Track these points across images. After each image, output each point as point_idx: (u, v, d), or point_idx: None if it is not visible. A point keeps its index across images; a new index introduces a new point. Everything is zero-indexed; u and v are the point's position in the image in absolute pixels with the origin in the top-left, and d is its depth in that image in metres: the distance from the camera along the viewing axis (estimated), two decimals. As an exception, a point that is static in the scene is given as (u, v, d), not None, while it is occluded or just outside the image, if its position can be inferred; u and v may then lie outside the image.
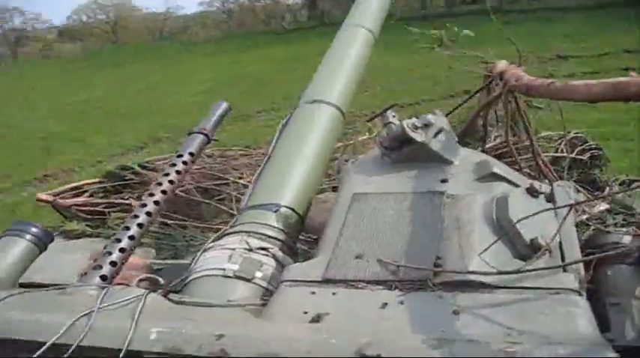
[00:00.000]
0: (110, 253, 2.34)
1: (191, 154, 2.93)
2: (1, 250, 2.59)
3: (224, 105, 3.36)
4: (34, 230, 2.61)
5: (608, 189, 4.68)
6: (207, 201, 4.87)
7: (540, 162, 3.68)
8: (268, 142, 3.45)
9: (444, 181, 2.35)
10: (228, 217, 4.72)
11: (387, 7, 4.23)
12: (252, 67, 24.24)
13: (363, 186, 2.42)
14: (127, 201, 4.98)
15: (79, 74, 32.06)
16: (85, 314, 1.87)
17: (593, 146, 5.35)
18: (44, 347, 1.76)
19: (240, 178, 5.13)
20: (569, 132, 5.42)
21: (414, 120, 2.48)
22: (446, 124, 2.55)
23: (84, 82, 28.46)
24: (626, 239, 2.56)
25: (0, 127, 18.02)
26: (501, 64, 4.15)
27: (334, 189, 3.91)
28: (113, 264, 2.31)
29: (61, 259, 2.62)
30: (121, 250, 2.37)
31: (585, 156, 5.16)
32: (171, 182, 2.74)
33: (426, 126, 2.45)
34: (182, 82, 23.01)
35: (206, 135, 3.08)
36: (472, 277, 1.85)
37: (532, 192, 2.30)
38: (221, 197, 4.98)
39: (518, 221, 2.03)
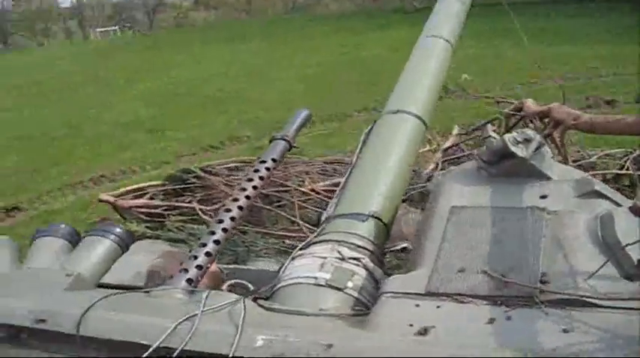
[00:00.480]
0: (196, 257, 2.33)
1: (274, 161, 2.92)
2: (86, 250, 2.62)
3: (306, 112, 3.36)
4: (117, 230, 2.64)
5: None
6: (269, 207, 4.89)
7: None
8: (342, 152, 3.44)
9: (543, 197, 2.30)
10: (288, 224, 4.74)
11: (463, 17, 4.22)
12: (368, 52, 22.62)
13: (461, 199, 2.38)
14: (187, 205, 5.01)
15: (197, 49, 32.16)
16: (187, 318, 1.87)
17: (657, 164, 5.26)
18: (150, 349, 1.76)
19: (300, 186, 5.13)
20: (634, 150, 5.36)
21: (514, 134, 2.44)
22: (542, 140, 2.50)
23: (196, 58, 28.33)
24: None
25: (91, 109, 17.92)
26: (532, 103, 4.14)
27: (406, 200, 3.90)
28: (199, 267, 2.30)
29: (138, 260, 2.62)
30: (207, 254, 2.36)
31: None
32: (254, 188, 2.73)
33: (527, 140, 2.41)
34: (287, 66, 22.00)
35: (288, 141, 3.07)
36: (581, 296, 1.81)
37: (635, 212, 2.25)
38: (281, 203, 5.00)
39: (631, 244, 1.97)
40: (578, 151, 5.50)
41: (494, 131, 2.55)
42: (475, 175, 2.50)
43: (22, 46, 60.03)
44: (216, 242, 2.43)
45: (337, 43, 25.50)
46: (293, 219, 4.75)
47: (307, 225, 4.44)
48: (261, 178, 2.78)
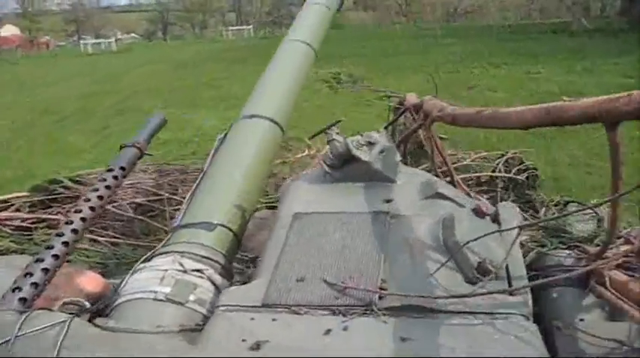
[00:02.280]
0: (31, 274, 2.16)
1: (122, 169, 2.79)
2: None
3: (159, 118, 3.24)
4: None
5: (544, 209, 4.71)
6: (140, 217, 4.73)
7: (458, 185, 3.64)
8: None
9: (388, 201, 2.28)
10: (162, 234, 4.59)
11: (327, 22, 4.20)
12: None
13: (305, 206, 2.33)
14: (55, 216, 4.78)
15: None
16: (2, 343, 1.73)
17: (529, 166, 5.41)
18: None
19: (174, 194, 4.99)
20: (506, 153, 5.48)
21: (358, 137, 2.41)
22: (389, 142, 2.48)
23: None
24: (569, 261, 2.53)
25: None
26: (412, 97, 4.18)
27: (272, 207, 3.83)
28: (34, 285, 2.14)
29: None
30: (44, 270, 2.19)
31: (522, 176, 5.21)
32: (100, 198, 2.58)
33: (371, 144, 2.38)
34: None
35: (139, 148, 2.95)
36: (419, 301, 1.78)
37: (478, 213, 2.26)
38: (154, 213, 4.85)
39: (465, 244, 1.97)
40: (454, 154, 5.58)
41: (337, 134, 2.51)
42: (321, 180, 2.45)
43: (179, 38, 60.15)
44: (55, 256, 2.28)
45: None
46: (166, 229, 4.60)
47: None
48: (107, 187, 2.64)
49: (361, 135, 2.44)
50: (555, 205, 4.85)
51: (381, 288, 1.87)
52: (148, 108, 13.76)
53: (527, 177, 5.27)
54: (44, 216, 4.80)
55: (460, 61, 18.63)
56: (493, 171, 5.26)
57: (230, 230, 2.53)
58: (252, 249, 3.22)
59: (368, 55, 22.55)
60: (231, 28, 55.35)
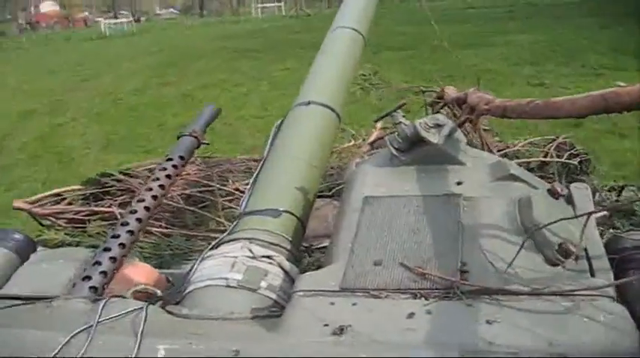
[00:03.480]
0: (100, 263, 2.19)
1: (181, 158, 2.80)
2: None
3: (213, 107, 3.26)
4: (16, 236, 2.45)
5: (598, 194, 4.63)
6: (192, 208, 4.75)
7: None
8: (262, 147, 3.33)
9: (459, 183, 2.24)
10: (214, 225, 4.61)
11: (373, 8, 4.17)
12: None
13: (375, 189, 2.29)
14: (107, 209, 4.83)
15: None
16: (82, 330, 1.74)
17: (580, 151, 5.32)
18: None
19: (224, 185, 5.01)
20: (557, 137, 5.40)
21: (425, 120, 2.37)
22: (454, 125, 2.45)
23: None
24: None
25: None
26: (452, 90, 4.12)
27: (321, 196, 3.81)
28: (103, 274, 2.16)
29: (42, 269, 2.44)
30: (112, 259, 2.22)
31: (575, 161, 5.13)
32: (161, 187, 2.60)
33: (438, 126, 2.35)
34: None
35: (196, 137, 2.96)
36: (502, 283, 1.75)
37: (553, 194, 2.21)
38: (205, 204, 4.87)
39: (547, 225, 1.93)
40: (501, 141, 5.52)
41: (403, 116, 2.48)
42: (388, 163, 2.42)
43: (217, 13, 60.98)
44: (122, 245, 2.30)
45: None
46: (218, 219, 4.62)
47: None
48: (168, 176, 2.66)
49: (428, 118, 2.41)
50: (609, 190, 4.78)
51: (462, 272, 1.84)
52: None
53: (579, 162, 5.17)
54: (97, 209, 4.85)
55: (539, 63, 14.35)
56: (545, 156, 5.18)
57: (295, 216, 2.52)
58: (308, 237, 3.21)
59: (405, 48, 18.99)
60: (260, 5, 53.71)
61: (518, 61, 15.13)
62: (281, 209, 2.48)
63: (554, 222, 1.90)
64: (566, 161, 5.08)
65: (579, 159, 5.19)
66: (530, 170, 5.07)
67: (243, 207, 2.60)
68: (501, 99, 3.11)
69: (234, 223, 2.52)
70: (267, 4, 53.94)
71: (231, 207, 4.63)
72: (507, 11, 27.16)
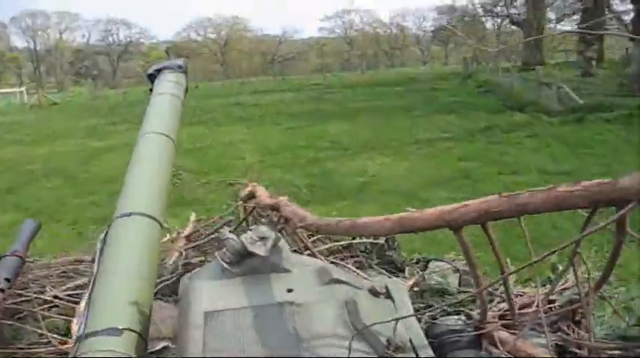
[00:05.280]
0: None
1: (7, 280, 2.77)
2: None
3: (33, 224, 3.23)
4: None
5: (407, 268, 4.95)
6: (9, 322, 4.54)
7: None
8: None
9: (289, 291, 2.43)
10: (35, 337, 4.43)
11: (179, 111, 4.29)
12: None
13: (213, 304, 2.41)
14: None
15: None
16: None
17: (385, 229, 5.66)
18: None
19: (42, 293, 4.83)
20: (360, 219, 5.73)
21: (250, 234, 2.55)
22: (277, 236, 2.64)
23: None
24: (458, 326, 2.77)
25: None
26: (263, 192, 4.36)
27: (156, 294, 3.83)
28: None
29: None
30: None
31: (382, 240, 5.46)
32: None
33: (264, 238, 2.53)
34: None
35: (20, 256, 2.93)
36: None
37: (374, 293, 2.46)
38: (22, 315, 4.66)
39: (373, 324, 2.16)
40: (311, 224, 5.73)
41: (230, 232, 2.65)
42: (220, 276, 2.56)
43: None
44: None
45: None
46: (39, 331, 4.45)
47: (55, 335, 4.18)
48: None
49: (252, 230, 2.59)
50: (416, 263, 5.12)
51: None
52: None
53: (385, 240, 5.51)
54: None
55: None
56: (353, 239, 5.47)
57: (136, 332, 2.54)
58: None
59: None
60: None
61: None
62: (120, 327, 2.50)
63: (385, 321, 2.14)
64: (373, 241, 5.40)
65: (385, 237, 5.53)
66: (342, 251, 5.37)
67: (82, 329, 2.61)
68: (312, 216, 3.37)
69: (75, 347, 2.52)
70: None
71: (51, 317, 4.48)
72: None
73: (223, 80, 47.42)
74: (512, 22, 48.56)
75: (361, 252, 5.30)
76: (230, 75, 51.10)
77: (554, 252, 1.95)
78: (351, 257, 5.16)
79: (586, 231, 1.99)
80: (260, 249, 2.50)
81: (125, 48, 54.90)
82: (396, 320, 2.15)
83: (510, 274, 2.32)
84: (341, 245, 5.38)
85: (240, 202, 4.93)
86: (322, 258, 4.09)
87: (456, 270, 4.21)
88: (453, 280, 4.12)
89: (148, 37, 57.61)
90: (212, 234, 5.45)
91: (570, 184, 2.01)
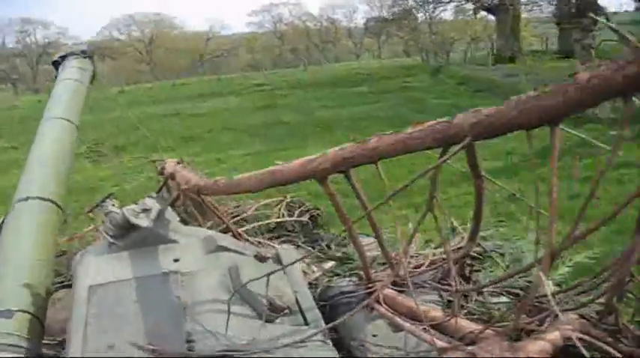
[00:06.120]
0: None
1: None
2: None
3: None
4: None
5: (333, 244, 5.04)
6: None
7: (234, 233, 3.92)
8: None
9: (176, 261, 2.48)
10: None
11: (82, 96, 4.33)
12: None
13: (98, 277, 2.44)
14: None
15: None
16: None
17: (310, 208, 5.74)
18: None
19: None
20: (285, 198, 5.79)
21: (133, 206, 2.59)
22: (162, 206, 2.68)
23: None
24: (349, 287, 2.86)
25: None
26: (171, 164, 4.40)
27: (68, 285, 3.84)
28: None
29: None
30: None
31: (306, 218, 5.53)
32: None
33: (146, 210, 2.57)
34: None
35: None
36: (227, 348, 2.00)
37: (260, 258, 2.53)
38: None
39: (246, 283, 2.23)
40: (238, 206, 5.79)
41: (113, 205, 2.68)
42: (107, 251, 2.59)
43: None
44: None
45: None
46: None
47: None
48: None
49: (136, 204, 2.63)
50: (344, 239, 5.21)
51: (188, 342, 2.06)
52: None
53: (310, 218, 5.58)
54: None
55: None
56: (278, 217, 5.53)
57: (30, 313, 2.55)
58: (61, 331, 3.25)
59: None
60: None
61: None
62: (14, 309, 2.51)
63: (253, 280, 2.21)
64: (298, 219, 5.47)
65: (310, 215, 5.61)
66: (270, 231, 5.43)
67: None
68: (196, 178, 3.42)
69: None
70: None
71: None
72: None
73: (152, 81, 44.44)
74: (484, 9, 42.99)
75: (288, 231, 5.40)
76: (158, 75, 49.68)
77: (410, 182, 2.07)
78: (278, 237, 5.26)
79: (434, 165, 2.09)
80: (142, 220, 2.55)
81: (44, 49, 53.26)
82: (268, 275, 2.21)
83: (370, 211, 2.38)
84: (268, 224, 5.47)
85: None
86: (246, 237, 4.12)
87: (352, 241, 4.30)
88: (374, 254, 4.21)
89: (68, 37, 55.50)
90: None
91: (413, 126, 2.11)
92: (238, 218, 5.14)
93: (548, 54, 39.81)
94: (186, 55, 53.73)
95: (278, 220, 5.48)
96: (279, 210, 5.55)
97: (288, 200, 5.71)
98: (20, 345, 2.37)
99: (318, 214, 5.74)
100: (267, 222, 5.53)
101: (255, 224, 5.35)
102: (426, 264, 2.94)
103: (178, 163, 4.22)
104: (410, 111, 23.06)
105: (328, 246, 5.04)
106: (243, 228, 4.63)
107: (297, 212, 5.57)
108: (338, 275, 3.69)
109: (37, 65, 53.70)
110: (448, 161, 2.06)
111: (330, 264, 4.04)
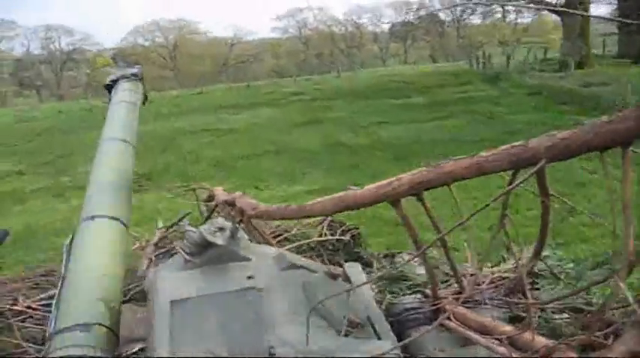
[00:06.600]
0: None
1: None
2: None
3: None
4: None
5: (375, 262, 5.11)
6: (-15, 334, 4.57)
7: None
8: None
9: (249, 278, 2.56)
10: (12, 348, 4.49)
11: (136, 117, 4.46)
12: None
13: (178, 293, 2.53)
14: None
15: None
16: None
17: (351, 227, 5.81)
18: None
19: (14, 305, 4.88)
20: (326, 217, 5.88)
21: (208, 225, 2.68)
22: (235, 226, 2.78)
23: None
24: (415, 304, 2.92)
25: None
26: (220, 192, 4.52)
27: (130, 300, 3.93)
28: None
29: None
30: None
31: (347, 237, 5.60)
32: None
33: (221, 229, 2.66)
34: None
35: None
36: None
37: (331, 276, 2.60)
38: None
39: (325, 299, 2.30)
40: (279, 226, 5.87)
41: (190, 224, 2.78)
42: (184, 267, 2.68)
43: None
44: None
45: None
46: (16, 341, 4.51)
47: (33, 345, 4.26)
48: None
49: (210, 223, 2.72)
50: (385, 257, 5.28)
51: (271, 355, 2.17)
52: None
53: (351, 237, 5.65)
54: None
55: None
56: (320, 236, 5.60)
57: (105, 326, 2.68)
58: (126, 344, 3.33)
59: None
60: None
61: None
62: (89, 322, 2.63)
63: (331, 296, 2.29)
64: (340, 238, 5.54)
65: (351, 234, 5.68)
66: (311, 250, 5.51)
67: (53, 326, 2.71)
68: (263, 205, 3.53)
69: (47, 345, 2.62)
70: None
71: (26, 327, 4.55)
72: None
73: (176, 88, 43.83)
74: (551, 11, 37.98)
75: (329, 250, 5.47)
76: (182, 82, 49.59)
77: (482, 209, 2.11)
78: (318, 256, 5.34)
79: (508, 188, 2.17)
80: (218, 239, 2.64)
81: (68, 56, 53.45)
82: (348, 291, 2.30)
83: (444, 235, 2.45)
84: (308, 243, 5.55)
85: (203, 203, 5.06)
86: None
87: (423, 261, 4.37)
88: (418, 270, 4.27)
89: (92, 44, 55.80)
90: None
91: (488, 150, 2.20)
92: (281, 237, 5.23)
93: (606, 58, 35.96)
94: (210, 60, 53.62)
95: (321, 239, 5.57)
96: (322, 229, 5.63)
97: (330, 220, 5.77)
98: (98, 357, 2.49)
99: (359, 233, 5.81)
100: (310, 240, 5.63)
101: (300, 243, 5.44)
102: (487, 281, 3.00)
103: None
104: (494, 131, 17.69)
105: (370, 264, 5.14)
106: (286, 247, 4.70)
107: (339, 231, 5.65)
108: (393, 292, 3.77)
109: (60, 72, 53.97)
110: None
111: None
